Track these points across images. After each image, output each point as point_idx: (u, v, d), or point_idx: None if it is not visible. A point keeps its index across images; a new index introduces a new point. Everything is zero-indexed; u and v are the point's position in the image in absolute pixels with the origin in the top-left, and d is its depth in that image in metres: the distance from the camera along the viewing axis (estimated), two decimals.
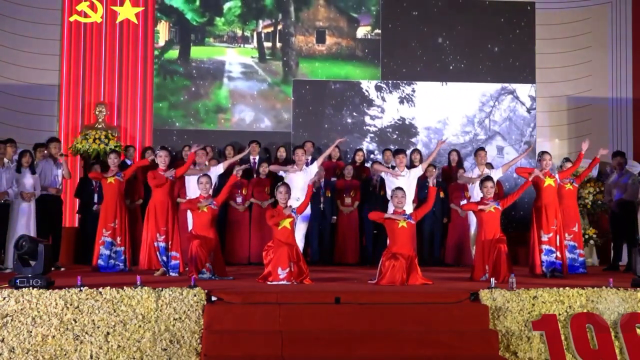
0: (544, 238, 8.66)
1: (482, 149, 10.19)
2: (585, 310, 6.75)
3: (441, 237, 10.75)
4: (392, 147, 11.65)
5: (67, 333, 6.20)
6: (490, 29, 12.77)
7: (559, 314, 6.72)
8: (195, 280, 6.96)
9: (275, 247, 7.82)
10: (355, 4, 12.74)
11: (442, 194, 10.57)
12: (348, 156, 11.75)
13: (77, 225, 11.07)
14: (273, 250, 7.81)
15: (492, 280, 7.02)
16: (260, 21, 12.62)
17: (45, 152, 9.67)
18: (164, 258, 8.50)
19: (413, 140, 12.54)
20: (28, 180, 9.14)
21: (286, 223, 7.89)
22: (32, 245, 6.52)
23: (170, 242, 8.53)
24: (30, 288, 6.30)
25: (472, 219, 9.46)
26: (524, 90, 12.80)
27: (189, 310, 6.38)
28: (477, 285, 7.26)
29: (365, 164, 11.33)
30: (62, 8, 12.09)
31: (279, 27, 12.62)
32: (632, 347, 6.61)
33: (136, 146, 11.60)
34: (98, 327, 6.24)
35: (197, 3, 12.52)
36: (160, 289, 6.44)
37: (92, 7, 12.12)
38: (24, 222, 9.03)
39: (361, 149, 11.59)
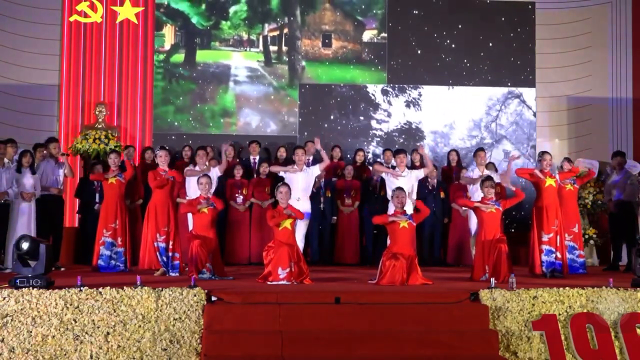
0: (545, 238, 8.66)
1: (482, 149, 10.16)
2: (585, 310, 6.76)
3: (441, 237, 10.74)
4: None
5: (67, 333, 6.21)
6: (491, 29, 12.76)
7: (559, 314, 6.72)
8: (195, 280, 6.96)
9: (276, 247, 7.82)
10: (361, 7, 12.72)
11: (442, 194, 10.57)
12: (348, 156, 11.74)
13: (77, 225, 11.07)
14: (273, 250, 7.82)
15: (492, 280, 7.02)
16: (266, 25, 12.59)
17: (45, 152, 9.67)
18: (164, 258, 8.50)
19: (420, 144, 12.46)
20: (28, 180, 9.14)
21: (287, 224, 7.89)
22: (33, 245, 6.52)
23: (170, 243, 8.54)
24: (30, 288, 6.31)
25: (473, 220, 9.45)
26: (530, 94, 12.77)
27: (189, 310, 6.38)
28: (477, 285, 7.26)
29: (369, 167, 11.30)
30: (62, 8, 12.08)
31: (285, 30, 12.59)
32: (632, 347, 6.61)
33: (136, 146, 11.59)
34: (98, 327, 6.24)
35: (203, 7, 12.49)
36: (160, 289, 6.44)
37: (92, 7, 12.12)
38: (24, 222, 9.02)
39: (362, 149, 11.55)
